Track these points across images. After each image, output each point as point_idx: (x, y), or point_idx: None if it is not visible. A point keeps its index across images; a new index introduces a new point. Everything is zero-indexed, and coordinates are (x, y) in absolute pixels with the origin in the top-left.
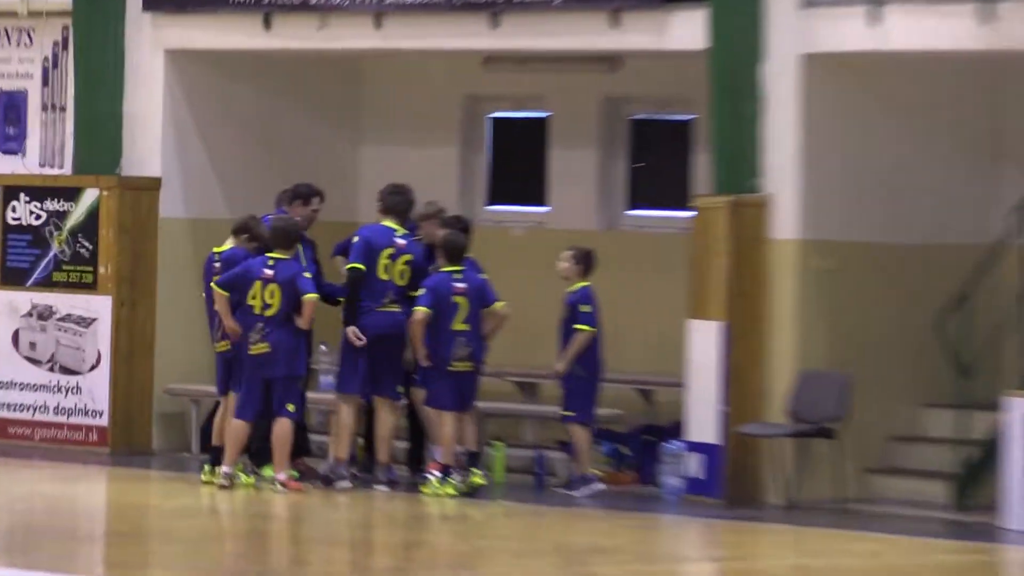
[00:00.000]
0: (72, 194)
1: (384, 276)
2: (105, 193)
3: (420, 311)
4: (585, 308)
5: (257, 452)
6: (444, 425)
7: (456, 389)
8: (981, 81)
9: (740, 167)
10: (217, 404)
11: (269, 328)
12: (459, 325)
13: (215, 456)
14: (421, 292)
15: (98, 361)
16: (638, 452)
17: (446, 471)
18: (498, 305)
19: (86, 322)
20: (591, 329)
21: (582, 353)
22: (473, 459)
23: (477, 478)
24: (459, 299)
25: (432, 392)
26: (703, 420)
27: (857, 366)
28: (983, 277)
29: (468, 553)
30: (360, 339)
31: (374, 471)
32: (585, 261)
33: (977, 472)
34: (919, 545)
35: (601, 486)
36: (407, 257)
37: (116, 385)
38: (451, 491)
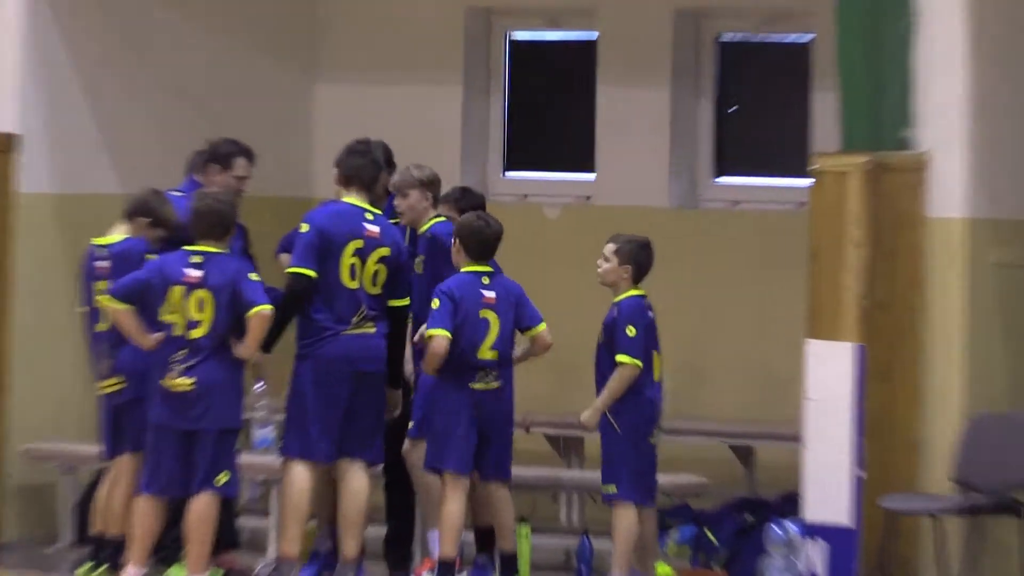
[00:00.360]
0: None
1: (351, 283)
2: None
3: (439, 337)
4: (630, 330)
5: (162, 544)
6: (447, 496)
7: (472, 436)
8: None
9: (882, 112)
10: (102, 472)
11: (196, 357)
12: (486, 352)
13: (98, 550)
14: (435, 304)
15: None
16: (731, 539)
17: (446, 570)
18: (540, 327)
19: None
20: (634, 362)
21: (625, 396)
22: (510, 563)
23: None
24: (488, 314)
25: (434, 445)
26: (828, 491)
27: None
28: None
29: None
30: (260, 384)
31: (337, 569)
32: (635, 258)
33: None
34: None
35: None
36: (383, 251)
37: None
38: None
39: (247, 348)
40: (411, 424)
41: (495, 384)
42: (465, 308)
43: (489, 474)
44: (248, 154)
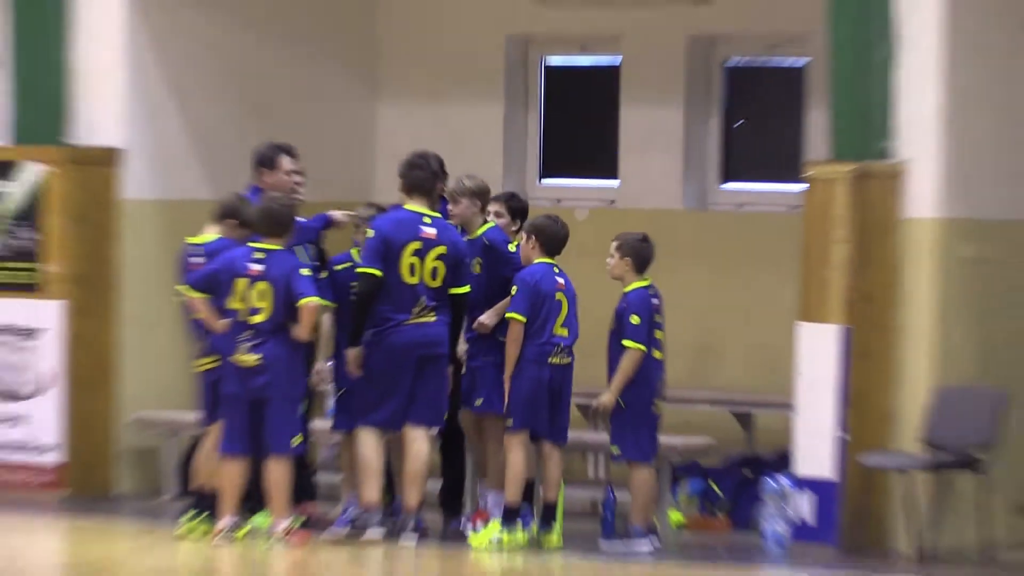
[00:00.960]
0: (8, 170)
1: (411, 279)
2: (51, 169)
3: (517, 321)
4: (634, 319)
5: (247, 496)
6: (515, 453)
7: (548, 404)
8: None
9: (867, 126)
10: (199, 437)
11: (259, 338)
12: (559, 329)
13: (198, 502)
14: (514, 290)
15: (47, 384)
16: (733, 490)
17: (511, 515)
18: None
19: (30, 334)
20: (638, 347)
21: (633, 376)
22: (550, 511)
23: (555, 537)
24: (561, 296)
25: (521, 412)
26: (815, 450)
27: (1010, 380)
28: None
29: None
30: (358, 370)
31: (400, 518)
32: (633, 250)
33: None
34: None
35: (647, 547)
36: (440, 250)
37: (71, 414)
38: (521, 540)
39: (301, 331)
40: (479, 400)
41: (567, 359)
42: (544, 293)
43: (549, 436)
44: (289, 151)
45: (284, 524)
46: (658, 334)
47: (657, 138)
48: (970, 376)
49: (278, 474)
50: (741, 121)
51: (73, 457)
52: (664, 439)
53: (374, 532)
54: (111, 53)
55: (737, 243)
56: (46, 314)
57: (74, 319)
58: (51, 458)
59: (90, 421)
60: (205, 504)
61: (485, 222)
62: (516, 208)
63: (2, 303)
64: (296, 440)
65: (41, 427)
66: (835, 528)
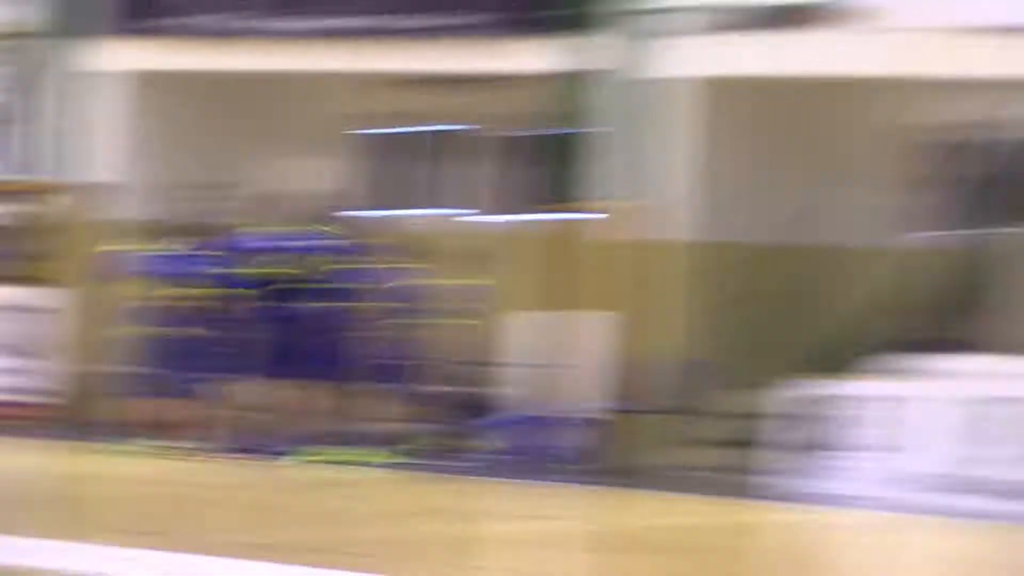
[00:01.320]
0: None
1: None
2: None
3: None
4: None
5: None
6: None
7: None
8: (820, 102)
9: (615, 178)
10: None
11: None
12: None
13: None
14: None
15: None
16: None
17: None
18: None
19: None
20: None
21: None
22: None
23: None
24: None
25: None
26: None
27: (716, 355)
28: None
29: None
30: None
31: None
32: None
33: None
34: (710, 504)
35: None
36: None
37: None
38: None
39: None
40: None
41: None
42: None
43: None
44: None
45: None
46: None
47: (457, 188)
48: (691, 352)
49: None
50: (519, 175)
51: None
52: None
53: None
54: (114, 119)
55: (517, 257)
56: None
57: None
58: None
59: None
60: None
61: None
62: None
63: None
64: None
65: None
66: (595, 455)
